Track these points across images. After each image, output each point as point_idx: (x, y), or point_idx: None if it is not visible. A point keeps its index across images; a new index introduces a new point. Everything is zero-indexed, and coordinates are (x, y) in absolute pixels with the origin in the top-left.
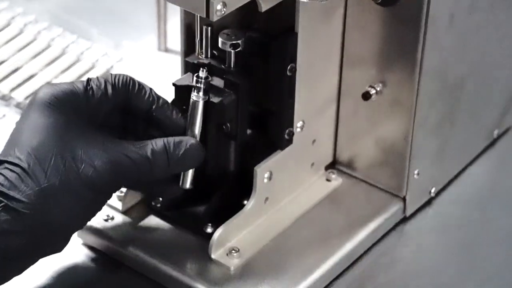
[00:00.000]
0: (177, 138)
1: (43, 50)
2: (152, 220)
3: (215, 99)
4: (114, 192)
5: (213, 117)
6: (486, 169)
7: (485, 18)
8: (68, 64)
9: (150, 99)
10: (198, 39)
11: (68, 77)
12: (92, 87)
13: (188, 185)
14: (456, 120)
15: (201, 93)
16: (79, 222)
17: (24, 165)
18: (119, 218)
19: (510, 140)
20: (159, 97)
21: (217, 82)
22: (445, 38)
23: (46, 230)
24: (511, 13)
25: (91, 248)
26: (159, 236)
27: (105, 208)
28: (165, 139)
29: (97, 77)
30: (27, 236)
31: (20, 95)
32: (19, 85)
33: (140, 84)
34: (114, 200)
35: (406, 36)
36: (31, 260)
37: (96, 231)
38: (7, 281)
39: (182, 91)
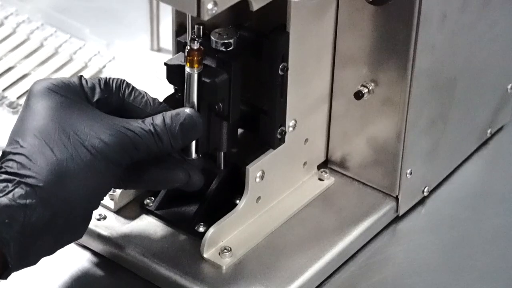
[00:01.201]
0: (175, 111)
1: (36, 50)
2: (144, 220)
3: (207, 79)
4: (126, 163)
5: (205, 96)
6: (479, 168)
7: (477, 17)
8: (60, 63)
9: (144, 100)
10: (189, 38)
11: (61, 77)
12: (86, 80)
13: (193, 155)
14: (448, 119)
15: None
16: (95, 196)
17: (30, 148)
18: (112, 218)
19: (503, 139)
20: (153, 99)
21: (209, 62)
22: (437, 37)
23: (64, 204)
24: (504, 12)
25: (83, 247)
26: (151, 236)
27: None
28: (164, 113)
29: (90, 77)
30: (44, 209)
31: (13, 95)
32: (12, 84)
33: (134, 86)
34: (107, 199)
35: (398, 35)
36: (53, 240)
37: (88, 231)
38: (33, 263)
39: (174, 70)
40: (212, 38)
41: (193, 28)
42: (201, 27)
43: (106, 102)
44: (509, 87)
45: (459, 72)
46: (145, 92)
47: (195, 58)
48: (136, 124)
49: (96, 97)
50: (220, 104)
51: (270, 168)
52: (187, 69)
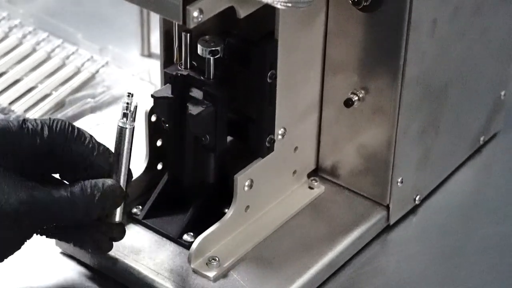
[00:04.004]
0: (94, 181)
1: (28, 55)
2: (132, 229)
3: (194, 111)
4: (37, 229)
5: (191, 129)
6: (471, 176)
7: (468, 24)
8: (53, 68)
9: (90, 146)
10: (176, 46)
11: (53, 81)
12: (28, 127)
13: (117, 218)
14: (440, 127)
15: (129, 119)
16: None
17: None
18: None
19: (496, 147)
20: (99, 144)
21: (196, 93)
22: (428, 44)
23: None
24: (495, 18)
25: (70, 257)
26: (139, 245)
27: None
28: (82, 181)
29: (35, 119)
30: None
31: (4, 101)
32: (4, 90)
33: (79, 130)
34: None
35: (388, 42)
36: None
37: None
38: None
39: (161, 102)
40: (199, 45)
41: (179, 35)
42: (188, 34)
43: (45, 147)
44: (502, 94)
45: (451, 79)
46: (91, 136)
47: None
48: (53, 190)
49: (33, 148)
50: (207, 136)
51: (259, 177)
52: (119, 124)
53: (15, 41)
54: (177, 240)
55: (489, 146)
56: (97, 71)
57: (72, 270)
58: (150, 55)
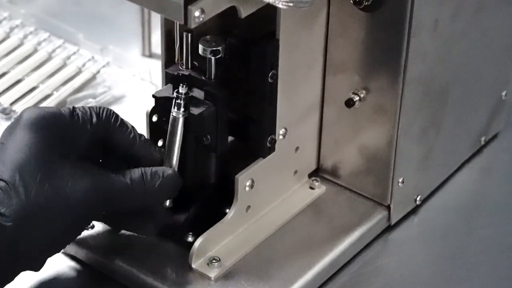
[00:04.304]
0: (154, 168)
1: (29, 55)
2: None
3: (195, 111)
4: (93, 219)
5: (193, 129)
6: (473, 176)
7: (470, 24)
8: (54, 68)
9: (131, 136)
10: (178, 45)
11: (54, 82)
12: (78, 113)
13: (167, 202)
14: (441, 127)
15: (181, 109)
16: (55, 246)
17: (9, 181)
18: (100, 227)
19: (497, 147)
20: (140, 135)
21: (197, 93)
22: (429, 44)
23: (26, 247)
24: (497, 18)
25: (71, 256)
26: (139, 245)
27: None
28: (142, 168)
29: (83, 106)
30: (6, 249)
31: (6, 101)
32: (6, 90)
33: (122, 120)
34: None
35: (390, 42)
36: (7, 274)
37: (76, 240)
38: None
39: (162, 102)
40: (201, 45)
41: (181, 35)
42: (189, 34)
43: (93, 135)
44: (503, 94)
45: (452, 79)
46: (132, 126)
47: (183, 102)
48: (115, 178)
49: (85, 135)
50: (208, 136)
51: (260, 177)
52: (173, 113)
53: (16, 42)
54: (178, 240)
55: (490, 146)
56: (98, 71)
57: (73, 271)
58: (151, 55)
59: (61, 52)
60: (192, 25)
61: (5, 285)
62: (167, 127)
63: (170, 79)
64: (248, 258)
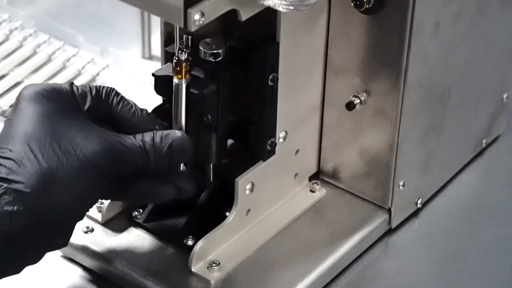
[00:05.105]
0: (165, 132)
1: (29, 57)
2: (132, 232)
3: (195, 90)
4: (113, 175)
5: (193, 108)
6: (474, 179)
7: (471, 26)
8: (54, 71)
9: (132, 110)
10: (177, 48)
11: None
12: (77, 86)
13: (181, 167)
14: (442, 129)
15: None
16: (82, 206)
17: (20, 153)
18: (99, 230)
19: (498, 149)
20: (142, 109)
21: (198, 72)
22: (430, 46)
23: (50, 212)
24: (498, 20)
25: (70, 260)
26: (139, 249)
27: (84, 219)
28: (153, 132)
29: (81, 84)
30: (29, 217)
31: (5, 103)
32: (5, 92)
33: (122, 96)
34: (94, 211)
35: (391, 44)
36: (37, 248)
37: (75, 244)
38: (16, 271)
39: (162, 81)
40: (201, 48)
41: (181, 38)
42: (189, 37)
43: (95, 110)
44: (504, 96)
45: (453, 81)
46: (134, 103)
47: (183, 68)
48: (126, 138)
49: (86, 105)
50: (209, 116)
51: (260, 180)
52: (175, 80)
53: (16, 44)
54: (177, 243)
55: (491, 148)
56: (98, 74)
57: (72, 273)
58: (151, 57)
59: (61, 54)
60: (192, 28)
61: (34, 262)
62: (167, 106)
63: (170, 57)
64: (248, 262)
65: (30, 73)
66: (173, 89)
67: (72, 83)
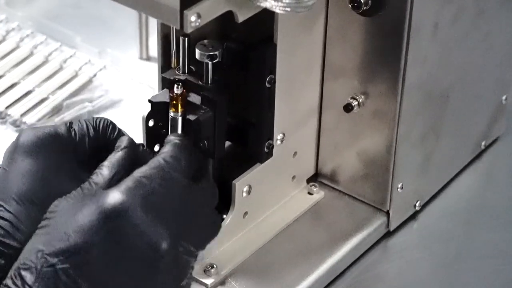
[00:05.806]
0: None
1: (25, 58)
2: None
3: (192, 116)
4: None
5: (190, 134)
6: (473, 181)
7: (470, 28)
8: (51, 72)
9: None
10: (174, 50)
11: (51, 85)
12: (74, 129)
13: None
14: (441, 132)
15: (178, 111)
16: None
17: (16, 212)
18: None
19: (497, 152)
20: (138, 145)
21: (194, 98)
22: (429, 48)
23: None
24: (498, 22)
25: None
26: None
27: None
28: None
29: (79, 120)
30: None
31: (1, 105)
32: (1, 94)
33: (120, 129)
34: None
35: (389, 46)
36: None
37: None
38: None
39: (158, 107)
40: (198, 50)
41: (177, 39)
42: (186, 38)
43: (94, 147)
44: (503, 98)
45: (452, 83)
46: (129, 136)
47: (179, 103)
48: None
49: (85, 147)
50: (205, 142)
51: (257, 183)
52: (171, 114)
53: (13, 44)
54: None
55: (490, 150)
56: (95, 75)
57: None
58: (148, 58)
59: (58, 55)
60: (188, 30)
61: None
62: (164, 131)
63: (167, 84)
64: (245, 265)
65: (27, 74)
66: (169, 120)
67: (70, 124)
